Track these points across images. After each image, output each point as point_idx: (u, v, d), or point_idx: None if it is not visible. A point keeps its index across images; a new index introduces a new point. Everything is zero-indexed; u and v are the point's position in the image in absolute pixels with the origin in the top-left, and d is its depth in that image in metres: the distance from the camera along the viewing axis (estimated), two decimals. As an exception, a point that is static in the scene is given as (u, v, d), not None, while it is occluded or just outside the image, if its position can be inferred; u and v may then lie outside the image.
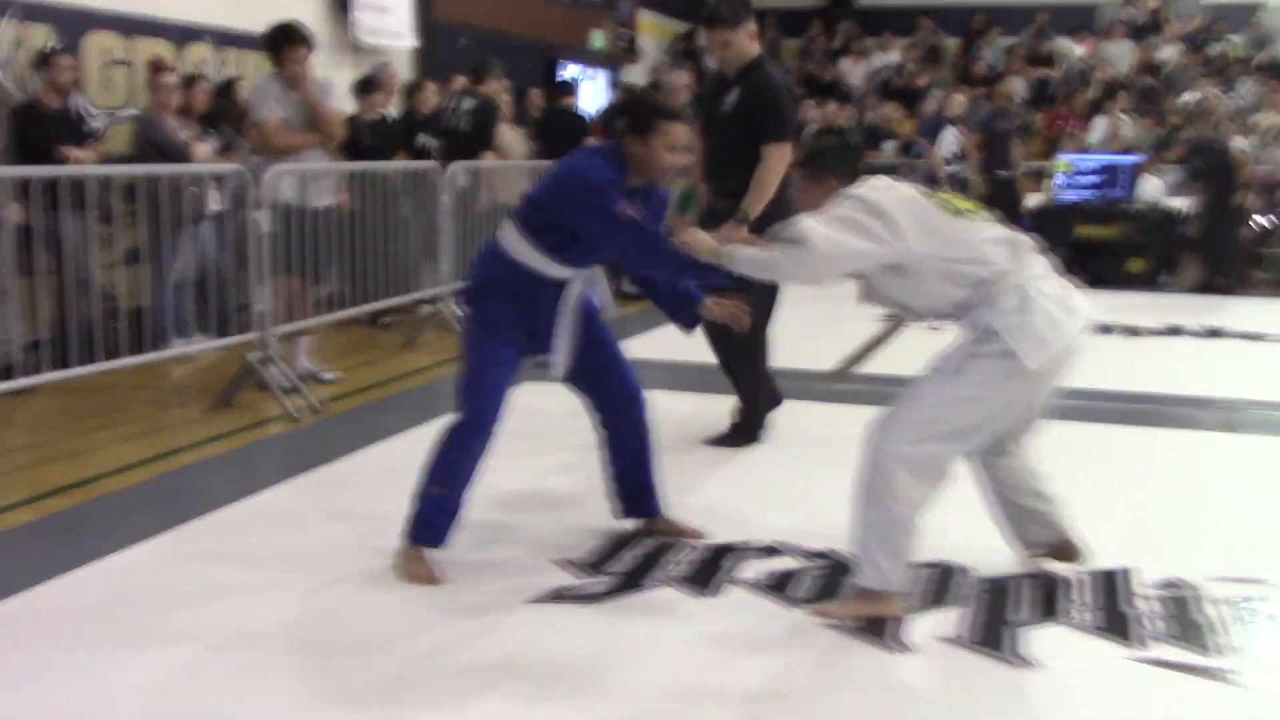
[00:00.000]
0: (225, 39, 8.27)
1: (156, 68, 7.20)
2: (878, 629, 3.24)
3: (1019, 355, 3.12)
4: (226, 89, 7.64)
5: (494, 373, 3.56)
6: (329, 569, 3.63)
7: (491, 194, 9.11)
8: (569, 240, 3.51)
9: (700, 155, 5.01)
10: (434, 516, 3.55)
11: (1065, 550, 3.65)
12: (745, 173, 4.85)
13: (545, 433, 5.18)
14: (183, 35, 7.91)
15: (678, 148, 3.51)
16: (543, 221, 3.52)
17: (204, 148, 6.85)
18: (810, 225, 3.14)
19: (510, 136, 9.84)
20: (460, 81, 9.17)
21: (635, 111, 3.57)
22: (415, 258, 7.88)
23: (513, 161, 9.49)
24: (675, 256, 3.38)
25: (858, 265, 3.23)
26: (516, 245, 3.56)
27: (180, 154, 6.62)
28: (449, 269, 7.85)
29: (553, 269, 3.56)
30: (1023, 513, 3.60)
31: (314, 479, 4.59)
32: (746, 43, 4.96)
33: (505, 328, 3.58)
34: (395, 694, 2.85)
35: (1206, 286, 10.33)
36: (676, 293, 3.72)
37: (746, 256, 3.27)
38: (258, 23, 8.51)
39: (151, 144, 6.68)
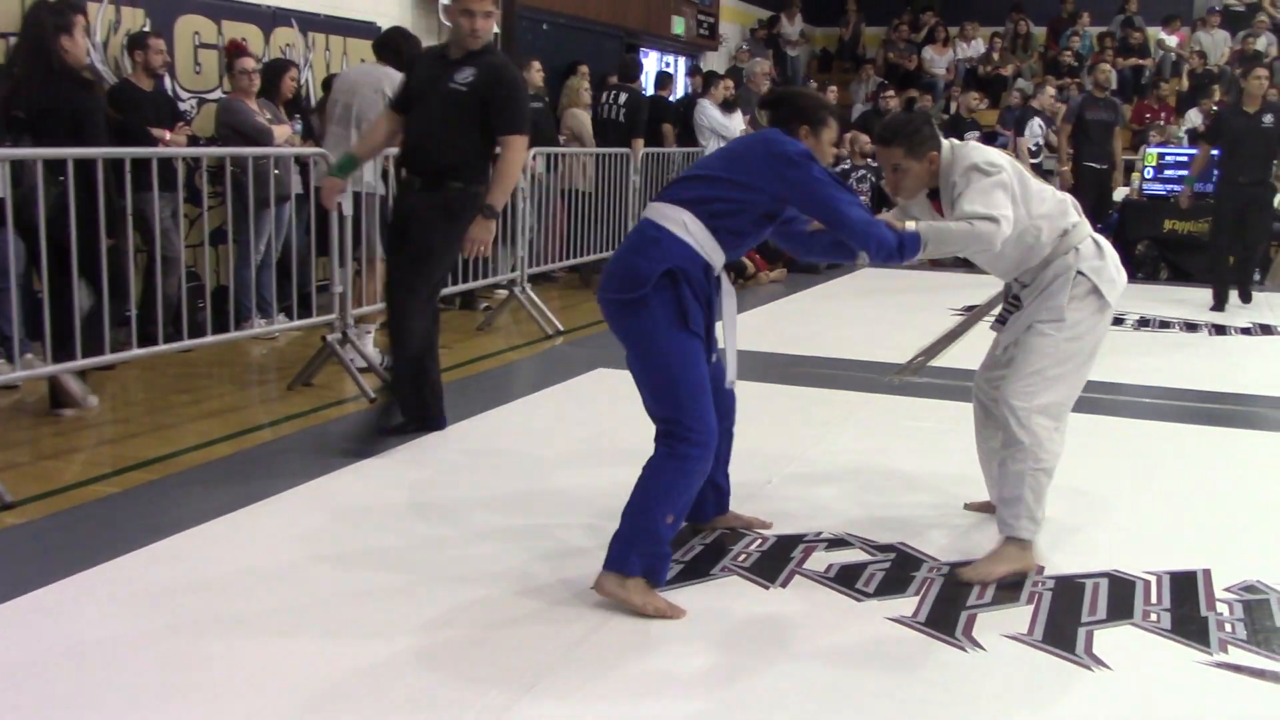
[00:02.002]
0: (312, 23, 8.39)
1: (234, 51, 7.31)
2: (1019, 585, 3.47)
3: (1105, 295, 3.56)
4: (275, 69, 7.67)
5: (700, 376, 3.25)
6: (407, 552, 3.68)
7: (570, 180, 9.19)
8: (750, 226, 3.33)
9: (405, 132, 4.84)
10: (661, 551, 3.26)
11: None
12: (459, 156, 4.70)
13: (603, 418, 5.21)
14: (270, 19, 8.03)
15: (835, 144, 3.57)
16: (717, 195, 3.26)
17: (283, 130, 6.95)
18: (991, 198, 3.38)
19: (589, 123, 9.88)
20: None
21: (806, 106, 3.46)
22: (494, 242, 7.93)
23: (587, 149, 9.54)
24: (861, 225, 3.28)
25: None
26: (693, 231, 3.23)
27: (261, 137, 6.73)
28: (525, 254, 7.91)
29: (718, 258, 3.30)
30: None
31: (391, 459, 4.65)
32: (492, 22, 4.76)
33: (697, 322, 3.25)
34: (514, 682, 2.88)
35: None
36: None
37: (942, 232, 3.39)
38: (345, 7, 8.67)
39: (230, 127, 6.80)
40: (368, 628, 3.10)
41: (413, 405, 4.97)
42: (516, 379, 6.34)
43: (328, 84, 7.88)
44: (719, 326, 3.42)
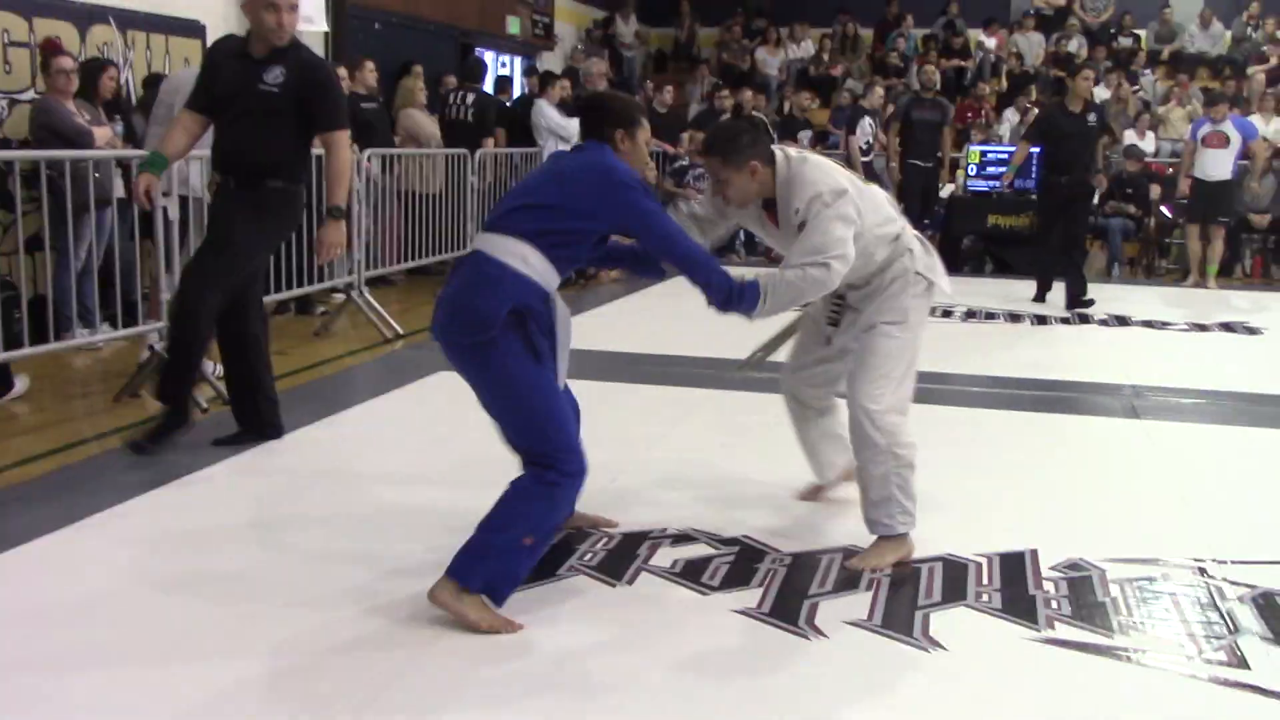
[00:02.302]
0: (131, 21, 8.07)
1: (49, 50, 6.98)
2: (906, 571, 3.59)
3: (938, 290, 3.72)
4: (93, 69, 7.39)
5: (561, 406, 3.22)
6: (241, 574, 3.57)
7: (407, 182, 9.07)
8: (588, 250, 3.30)
9: (217, 134, 4.68)
10: (514, 570, 3.18)
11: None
12: (277, 156, 4.61)
13: (445, 423, 5.15)
14: (86, 16, 7.70)
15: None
16: (557, 227, 3.17)
17: (103, 132, 6.67)
18: (830, 235, 3.41)
19: (425, 123, 9.77)
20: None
21: (618, 109, 3.41)
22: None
23: (429, 150, 9.43)
24: (701, 263, 3.30)
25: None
26: (534, 263, 3.13)
27: (81, 139, 6.44)
28: (362, 257, 7.77)
29: (556, 282, 3.23)
30: (838, 443, 4.03)
31: (226, 472, 4.51)
32: (297, 16, 4.64)
33: (545, 354, 3.19)
34: (323, 694, 2.81)
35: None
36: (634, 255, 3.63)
37: (777, 284, 3.39)
38: (163, 4, 8.36)
39: (47, 129, 6.49)
40: (202, 656, 2.99)
41: (248, 414, 4.83)
42: (356, 385, 6.21)
43: (151, 83, 7.61)
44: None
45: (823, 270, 3.40)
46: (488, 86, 11.21)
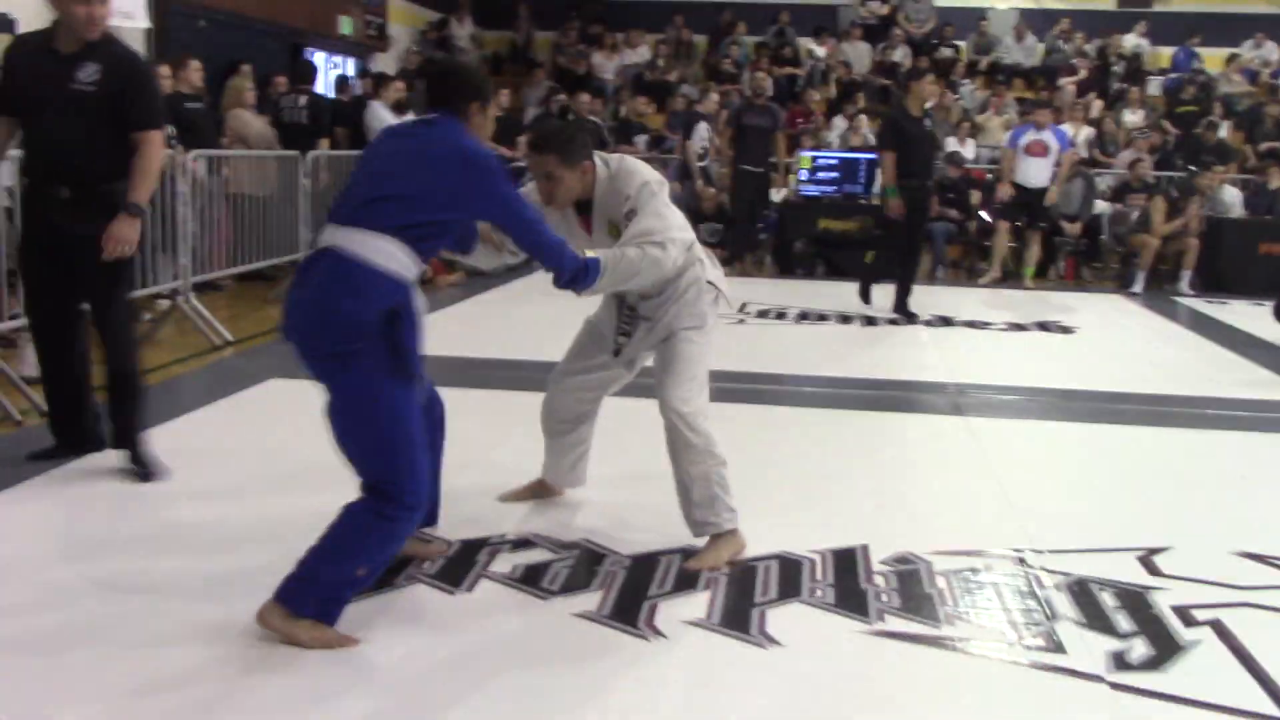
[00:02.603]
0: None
1: None
2: (740, 568, 3.67)
3: (725, 299, 3.85)
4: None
5: (414, 432, 3.05)
6: (58, 605, 3.42)
7: (236, 184, 8.82)
8: (444, 238, 3.17)
9: (31, 139, 4.44)
10: (342, 596, 3.06)
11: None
12: (108, 158, 4.38)
13: (278, 432, 5.04)
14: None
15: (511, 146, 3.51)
16: (421, 219, 3.01)
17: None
18: (666, 218, 3.55)
19: (255, 124, 9.53)
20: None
21: (475, 81, 3.25)
22: (151, 249, 7.49)
23: (259, 151, 9.19)
24: (555, 248, 3.27)
25: None
26: (391, 255, 2.96)
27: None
28: (188, 262, 7.53)
29: (415, 271, 3.07)
30: (580, 451, 4.16)
31: (43, 489, 4.31)
32: (109, 9, 4.42)
33: (404, 363, 3.02)
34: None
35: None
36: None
37: (617, 262, 3.43)
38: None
39: None
40: (20, 704, 2.85)
41: (68, 427, 4.63)
42: (184, 393, 6.00)
43: None
44: None
45: (660, 250, 3.49)
46: (324, 88, 11.03)
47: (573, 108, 13.10)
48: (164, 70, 8.59)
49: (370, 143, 3.39)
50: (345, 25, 13.62)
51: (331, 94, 11.38)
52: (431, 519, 3.70)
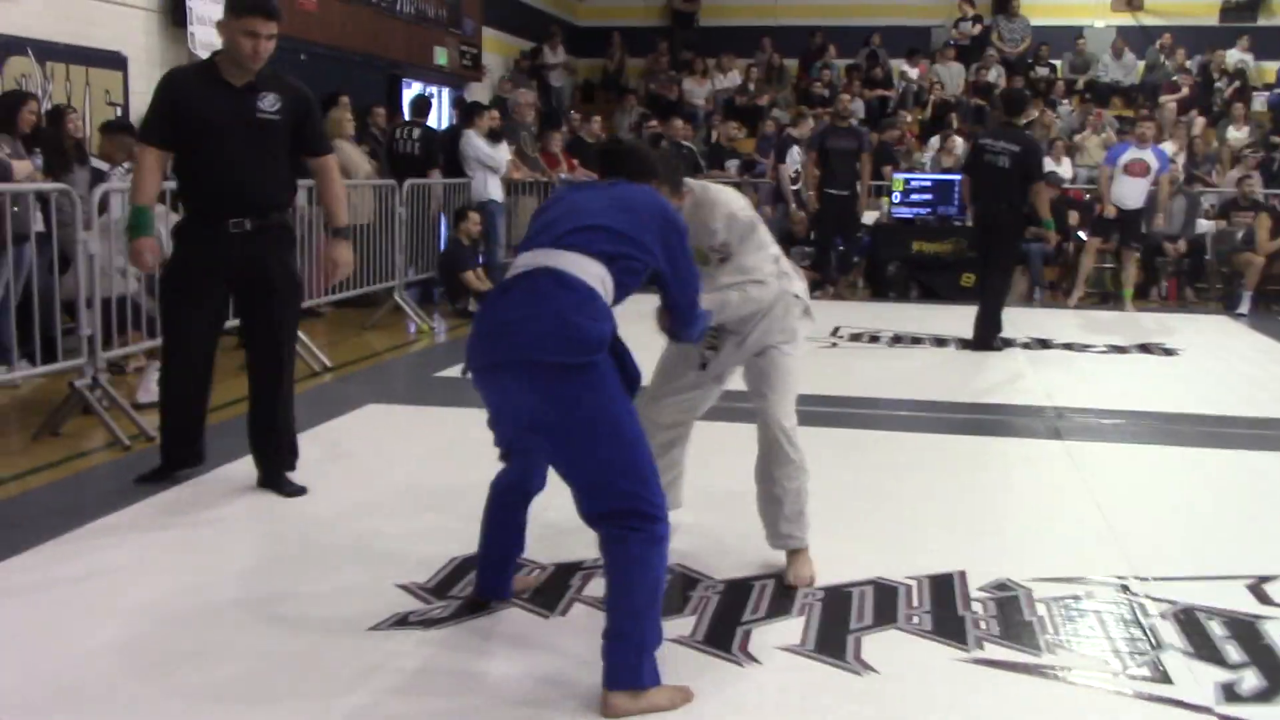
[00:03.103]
0: (50, 53, 7.95)
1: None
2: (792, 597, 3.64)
3: (811, 312, 3.85)
4: (56, 115, 7.35)
5: (650, 451, 2.95)
6: (162, 603, 3.51)
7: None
8: (638, 284, 3.05)
9: (208, 170, 4.44)
10: (657, 641, 2.90)
11: None
12: (281, 187, 4.59)
13: (381, 455, 5.12)
14: (4, 48, 7.57)
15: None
16: (631, 256, 2.96)
17: (22, 166, 6.55)
18: (764, 254, 3.63)
19: (353, 155, 9.73)
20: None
21: (668, 166, 3.36)
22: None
23: (358, 180, 9.38)
24: (703, 318, 3.34)
25: None
26: (607, 286, 2.91)
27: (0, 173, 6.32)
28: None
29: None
30: (674, 474, 4.05)
31: (152, 505, 4.43)
32: (273, 45, 4.48)
33: (635, 382, 2.97)
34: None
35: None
36: None
37: (721, 309, 3.53)
38: (83, 36, 8.25)
39: (-38, 165, 6.36)
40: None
41: (184, 449, 4.73)
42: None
43: (114, 128, 7.51)
44: None
45: (759, 288, 3.58)
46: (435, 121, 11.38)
47: (665, 134, 13.15)
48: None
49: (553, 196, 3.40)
50: (441, 56, 13.86)
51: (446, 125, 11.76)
52: (502, 593, 3.54)
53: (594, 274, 2.87)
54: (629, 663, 2.83)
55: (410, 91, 13.97)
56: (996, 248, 8.53)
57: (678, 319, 3.29)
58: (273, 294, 4.56)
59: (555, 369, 2.77)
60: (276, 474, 4.66)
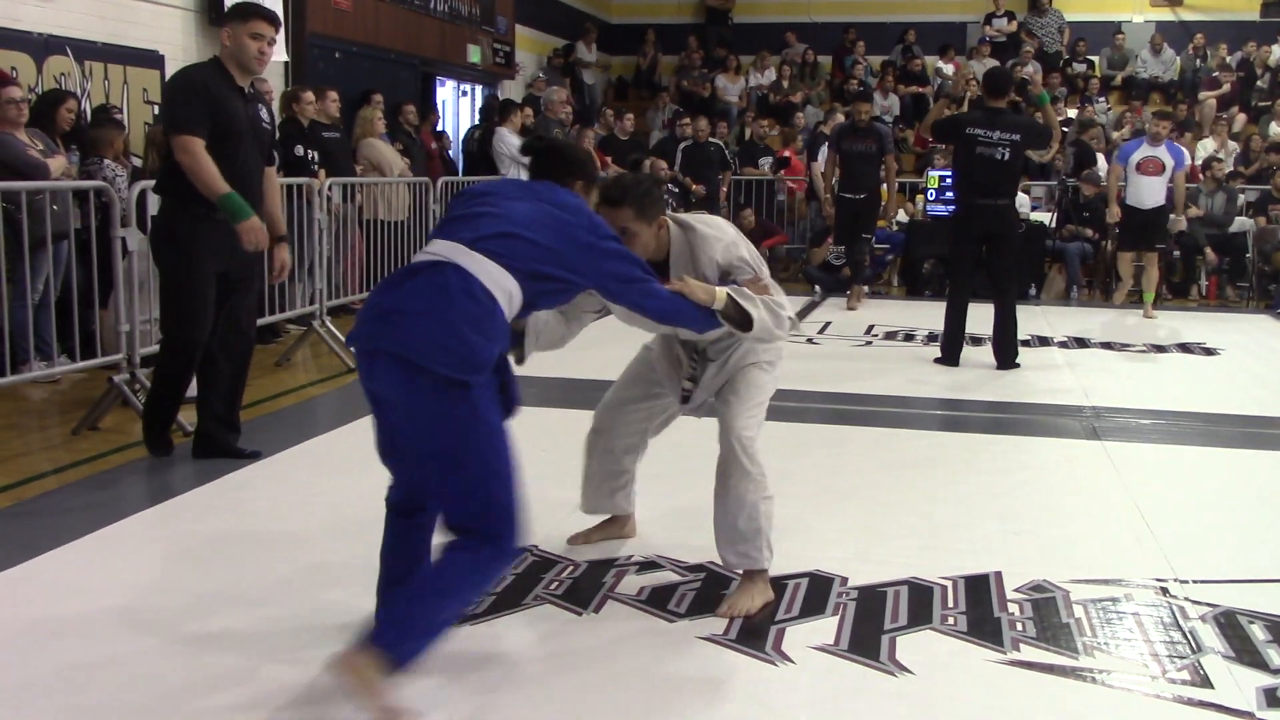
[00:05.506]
0: (88, 52, 8.02)
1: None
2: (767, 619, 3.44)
3: (791, 320, 3.54)
4: (102, 113, 7.41)
5: (518, 479, 2.80)
6: (192, 598, 3.53)
7: (369, 211, 9.06)
8: (559, 294, 2.99)
9: (227, 167, 4.63)
10: (428, 644, 2.76)
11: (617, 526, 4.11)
12: (260, 192, 4.88)
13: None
14: (43, 47, 7.65)
15: None
16: (555, 278, 2.86)
17: (57, 162, 6.59)
18: (771, 283, 3.44)
19: (387, 152, 9.76)
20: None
21: (580, 159, 3.21)
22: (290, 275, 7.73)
23: (391, 178, 9.42)
24: (678, 306, 3.14)
25: None
26: (513, 303, 2.81)
27: (36, 172, 6.37)
28: (324, 286, 7.73)
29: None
30: (623, 480, 3.96)
31: (183, 503, 4.46)
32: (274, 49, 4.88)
33: (515, 401, 2.90)
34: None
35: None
36: None
37: (757, 312, 3.29)
38: (121, 35, 8.32)
39: (0, 163, 6.41)
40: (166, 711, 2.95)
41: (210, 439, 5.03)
42: (318, 414, 6.17)
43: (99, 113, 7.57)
44: None
45: (788, 321, 3.40)
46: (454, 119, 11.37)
47: (689, 136, 12.70)
48: (308, 97, 8.85)
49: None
50: (474, 54, 13.89)
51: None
52: None
53: (503, 288, 2.76)
54: (394, 634, 2.65)
55: (444, 90, 14.03)
56: (1001, 252, 7.68)
57: (658, 318, 3.19)
58: (251, 286, 5.00)
59: (431, 378, 2.65)
60: (234, 444, 5.03)
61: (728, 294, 3.24)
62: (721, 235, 3.46)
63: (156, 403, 4.97)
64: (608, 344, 3.87)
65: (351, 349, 2.85)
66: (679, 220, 3.49)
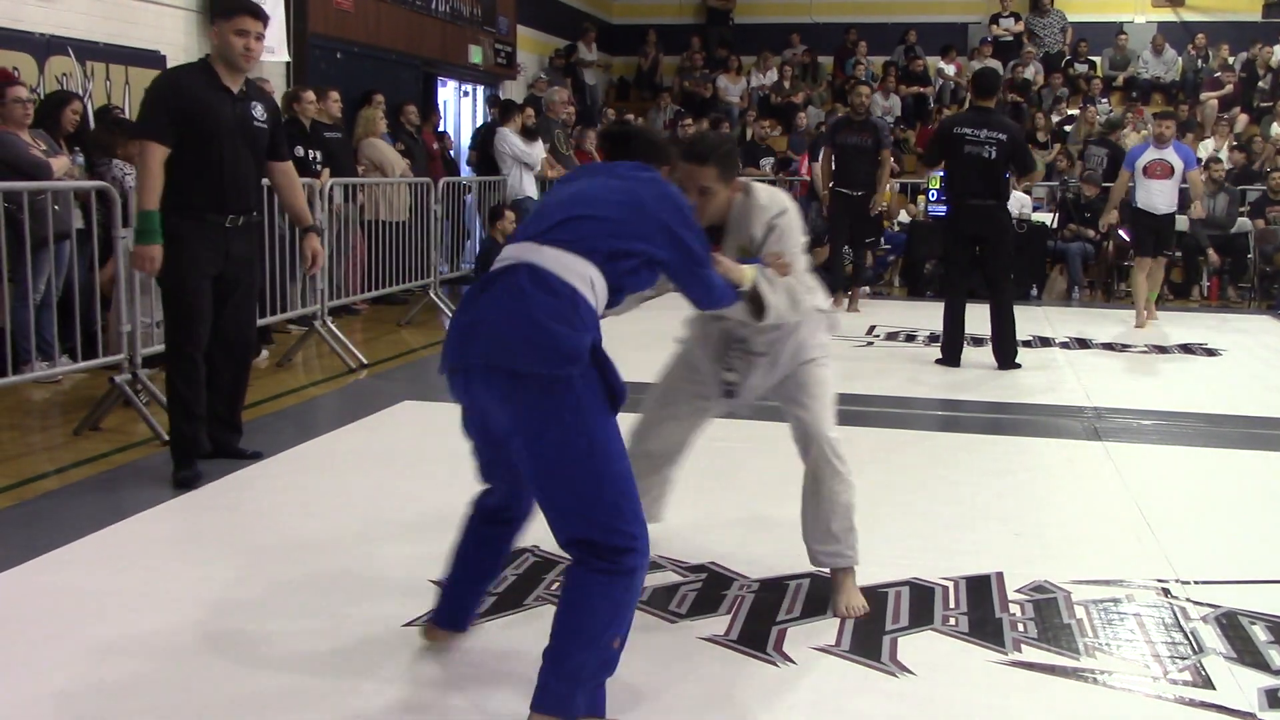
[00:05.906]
0: (90, 52, 8.02)
1: (3, 80, 6.91)
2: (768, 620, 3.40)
3: (835, 321, 3.71)
4: (106, 113, 7.41)
5: (631, 471, 2.68)
6: (193, 599, 3.53)
7: (371, 211, 9.06)
8: (645, 280, 2.85)
9: (213, 169, 4.63)
10: (603, 679, 2.68)
11: None
12: (260, 192, 4.95)
13: (423, 450, 5.14)
14: (45, 47, 7.65)
15: None
16: (633, 259, 2.73)
17: (60, 162, 6.59)
18: (802, 260, 3.40)
19: (388, 152, 9.77)
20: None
21: (664, 145, 3.10)
22: (290, 275, 7.74)
23: (392, 179, 9.43)
24: (722, 290, 3.05)
25: None
26: (597, 291, 2.67)
27: (39, 172, 6.37)
28: (325, 287, 7.73)
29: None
30: (663, 488, 3.88)
31: (184, 503, 4.46)
32: (263, 45, 4.84)
33: (621, 398, 2.70)
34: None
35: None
36: None
37: (781, 290, 3.28)
38: (122, 35, 8.32)
39: (2, 162, 6.41)
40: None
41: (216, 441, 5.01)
42: (320, 415, 6.17)
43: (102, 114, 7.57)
44: None
45: (810, 296, 3.41)
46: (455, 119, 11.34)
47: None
48: (309, 96, 8.86)
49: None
50: (475, 54, 13.89)
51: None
52: (460, 625, 3.22)
53: (580, 274, 2.63)
54: (556, 689, 2.59)
55: (445, 90, 14.04)
56: (993, 252, 7.65)
57: (698, 304, 3.12)
58: (250, 288, 5.01)
59: (526, 380, 2.55)
60: (235, 444, 5.04)
61: (754, 279, 3.21)
62: (782, 200, 3.44)
63: (179, 435, 4.76)
64: (651, 346, 3.85)
65: (442, 375, 2.74)
66: (748, 186, 3.43)
